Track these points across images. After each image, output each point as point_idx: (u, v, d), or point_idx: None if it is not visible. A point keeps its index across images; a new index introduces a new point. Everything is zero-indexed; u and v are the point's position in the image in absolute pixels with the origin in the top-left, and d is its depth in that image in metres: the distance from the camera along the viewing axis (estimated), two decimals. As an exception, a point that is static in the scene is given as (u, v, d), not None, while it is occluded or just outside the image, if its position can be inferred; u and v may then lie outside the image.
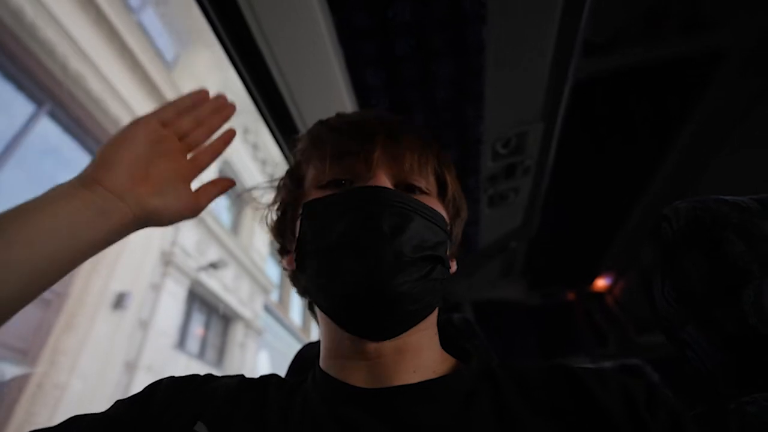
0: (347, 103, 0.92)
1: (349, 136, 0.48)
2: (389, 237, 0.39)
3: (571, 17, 0.88)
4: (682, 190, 1.71)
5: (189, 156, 0.48)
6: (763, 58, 1.25)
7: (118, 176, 0.39)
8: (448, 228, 0.48)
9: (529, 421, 0.35)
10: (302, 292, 0.53)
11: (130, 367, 4.73)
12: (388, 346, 0.41)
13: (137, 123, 0.43)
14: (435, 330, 0.47)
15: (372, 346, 0.41)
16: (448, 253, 0.46)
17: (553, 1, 0.83)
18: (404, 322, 0.41)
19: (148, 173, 0.42)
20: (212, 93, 0.51)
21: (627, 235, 2.16)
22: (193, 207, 0.46)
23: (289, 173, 0.55)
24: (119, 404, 0.41)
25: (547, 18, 0.87)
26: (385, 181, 0.44)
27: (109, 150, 0.41)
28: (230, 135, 0.52)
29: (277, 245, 0.56)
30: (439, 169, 0.50)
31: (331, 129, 0.51)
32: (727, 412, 0.37)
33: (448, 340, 0.48)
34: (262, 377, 0.47)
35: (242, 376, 0.46)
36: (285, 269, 0.53)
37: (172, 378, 0.44)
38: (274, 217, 0.56)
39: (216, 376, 0.46)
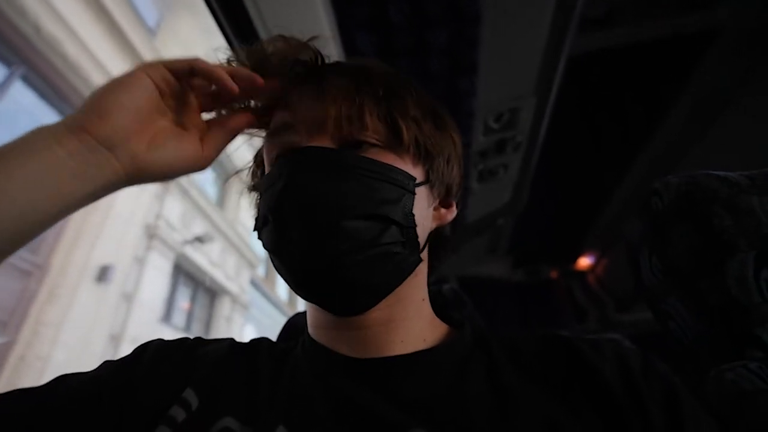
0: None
1: (291, 80, 0.43)
2: (315, 207, 0.35)
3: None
4: (668, 169, 1.73)
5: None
6: (755, 37, 1.24)
7: (111, 126, 0.34)
8: (419, 180, 0.41)
9: (524, 389, 0.35)
10: None
11: (116, 339, 4.72)
12: (371, 317, 0.40)
13: (145, 67, 0.37)
14: (422, 299, 0.44)
15: (354, 318, 0.40)
16: (415, 213, 0.40)
17: None
18: (365, 295, 0.38)
19: (149, 124, 0.37)
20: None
21: (611, 214, 2.20)
22: (198, 158, 0.41)
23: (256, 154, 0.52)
24: (107, 365, 0.40)
25: None
26: (319, 142, 0.39)
27: (105, 95, 0.35)
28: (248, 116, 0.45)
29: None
30: (387, 112, 0.41)
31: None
32: (706, 379, 0.38)
33: (438, 309, 0.48)
34: (253, 341, 0.46)
35: (232, 340, 0.45)
36: None
37: (161, 340, 0.43)
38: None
39: (206, 340, 0.45)
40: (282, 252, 0.38)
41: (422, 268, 0.44)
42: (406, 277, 0.40)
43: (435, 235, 0.46)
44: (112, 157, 0.34)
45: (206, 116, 0.44)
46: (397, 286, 0.40)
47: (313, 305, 0.42)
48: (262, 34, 0.82)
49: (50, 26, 4.03)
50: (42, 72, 4.21)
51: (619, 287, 2.75)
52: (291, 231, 0.36)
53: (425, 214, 0.43)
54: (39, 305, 4.05)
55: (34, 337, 3.98)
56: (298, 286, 0.39)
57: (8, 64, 3.92)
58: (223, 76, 0.38)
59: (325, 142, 0.39)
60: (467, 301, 0.60)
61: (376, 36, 0.83)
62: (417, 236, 0.40)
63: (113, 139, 0.34)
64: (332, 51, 0.86)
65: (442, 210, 0.47)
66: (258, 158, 0.51)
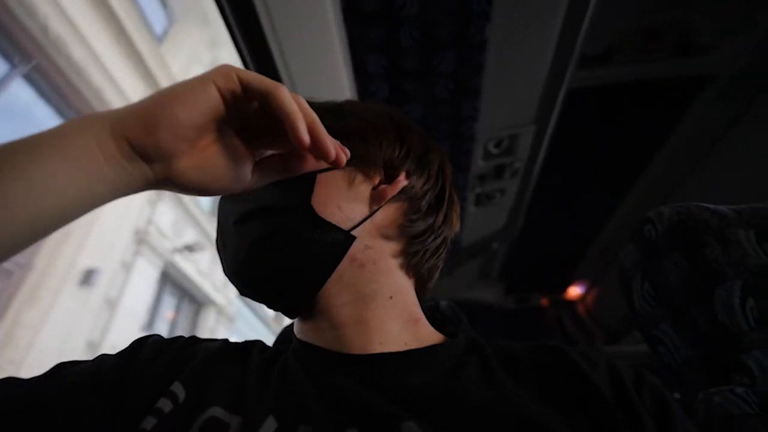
0: (346, 89, 0.92)
1: None
2: (222, 224, 0.44)
3: (571, 27, 0.90)
4: (659, 202, 1.77)
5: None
6: (744, 84, 1.31)
7: (155, 142, 0.30)
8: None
9: (516, 391, 0.35)
10: None
11: (93, 346, 4.58)
12: (341, 315, 0.41)
13: (214, 74, 0.31)
14: (389, 297, 0.42)
15: (323, 319, 0.41)
16: (313, 194, 0.39)
17: (556, 10, 0.86)
18: (288, 286, 0.41)
19: (198, 143, 0.32)
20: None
21: (602, 244, 2.23)
22: (236, 185, 0.35)
23: None
24: (105, 358, 0.40)
25: (549, 25, 0.89)
26: None
27: (160, 105, 0.30)
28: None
29: None
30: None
31: None
32: (694, 402, 0.39)
33: (434, 325, 0.48)
34: (247, 342, 0.46)
35: (226, 340, 0.46)
36: None
37: (157, 336, 0.43)
38: None
39: (200, 339, 0.45)
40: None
41: (375, 258, 0.42)
42: (338, 261, 0.40)
43: (389, 216, 0.43)
44: (148, 169, 0.31)
45: None
46: (327, 271, 0.40)
47: None
48: (274, 50, 0.85)
49: (57, 27, 4.08)
50: (45, 71, 4.24)
51: (608, 318, 2.77)
52: (220, 250, 0.45)
53: (345, 194, 0.41)
54: (18, 306, 3.94)
55: (9, 339, 3.84)
56: (241, 292, 0.44)
57: (11, 60, 3.93)
58: (298, 128, 0.31)
59: None
60: (463, 318, 0.61)
61: (387, 58, 0.87)
62: (320, 217, 0.39)
63: (155, 156, 0.30)
64: (342, 71, 0.89)
65: (382, 186, 0.43)
66: None
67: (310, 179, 0.40)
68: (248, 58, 0.88)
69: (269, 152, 0.37)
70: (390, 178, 0.43)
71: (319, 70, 0.88)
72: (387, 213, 0.43)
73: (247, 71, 0.32)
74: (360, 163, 0.42)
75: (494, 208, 1.49)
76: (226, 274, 0.44)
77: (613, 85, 1.42)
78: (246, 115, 0.33)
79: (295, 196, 0.39)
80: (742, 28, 1.20)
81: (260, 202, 0.39)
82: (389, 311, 0.42)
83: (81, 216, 0.31)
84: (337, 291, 0.41)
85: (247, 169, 0.35)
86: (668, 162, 1.64)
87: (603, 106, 1.50)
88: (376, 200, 0.42)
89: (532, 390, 0.36)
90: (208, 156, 0.32)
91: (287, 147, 0.35)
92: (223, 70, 0.31)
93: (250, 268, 0.40)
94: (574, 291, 3.09)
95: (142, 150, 0.30)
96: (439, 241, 0.46)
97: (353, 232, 0.40)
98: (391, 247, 0.43)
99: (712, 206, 0.49)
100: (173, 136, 0.30)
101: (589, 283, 2.90)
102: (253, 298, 0.44)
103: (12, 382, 0.36)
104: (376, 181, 0.43)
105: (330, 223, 0.39)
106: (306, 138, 0.31)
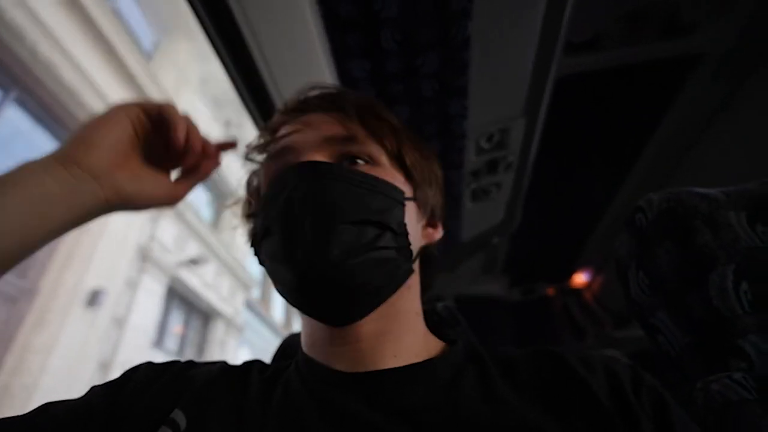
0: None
1: (287, 114, 0.49)
2: (318, 209, 0.38)
3: (554, 16, 0.90)
4: (656, 186, 1.77)
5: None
6: (735, 63, 1.30)
7: (96, 157, 0.37)
8: (407, 195, 0.45)
9: (515, 400, 0.36)
10: None
11: (105, 366, 4.60)
12: (365, 329, 0.41)
13: (123, 107, 0.41)
14: (415, 313, 0.46)
15: (348, 331, 0.41)
16: (406, 222, 0.43)
17: (537, 0, 0.85)
18: (361, 300, 0.40)
19: (128, 158, 0.40)
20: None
21: (605, 230, 2.23)
22: (171, 196, 0.45)
23: (249, 185, 0.55)
24: (95, 390, 0.40)
25: (531, 16, 0.89)
26: (317, 158, 0.43)
27: (90, 130, 0.39)
28: (217, 154, 0.48)
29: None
30: (389, 134, 0.48)
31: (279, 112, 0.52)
32: (693, 391, 0.39)
33: (432, 327, 0.48)
34: (245, 363, 0.46)
35: (224, 362, 0.46)
36: None
37: (150, 363, 0.43)
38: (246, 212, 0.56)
39: (196, 363, 0.45)
40: (285, 257, 0.38)
41: (415, 282, 0.47)
42: (400, 286, 0.43)
43: (425, 252, 0.50)
44: (97, 186, 0.37)
45: None
46: (391, 293, 0.42)
47: (310, 322, 0.44)
48: (259, 62, 0.85)
49: (46, 50, 4.09)
50: (37, 95, 4.25)
51: (615, 303, 2.75)
52: (295, 235, 0.38)
53: (415, 227, 0.47)
54: (27, 331, 3.96)
55: (21, 364, 3.86)
56: (298, 291, 0.40)
57: (3, 86, 3.95)
58: (177, 130, 0.41)
59: (317, 158, 0.43)
60: (461, 320, 0.61)
61: (370, 62, 0.87)
62: (409, 244, 0.43)
63: (98, 170, 0.37)
64: (327, 78, 0.89)
65: (429, 229, 0.52)
66: (251, 188, 0.54)
67: (402, 205, 0.44)
68: (234, 72, 0.89)
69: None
70: (431, 222, 0.52)
71: (304, 79, 0.88)
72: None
73: (146, 102, 0.42)
74: (425, 203, 0.50)
75: (491, 203, 1.49)
76: (287, 274, 0.39)
77: (604, 71, 1.42)
78: (153, 140, 0.42)
79: (395, 220, 0.42)
80: (727, 7, 1.20)
81: (372, 216, 0.40)
82: (412, 326, 0.45)
83: (51, 240, 0.36)
84: (381, 307, 0.42)
85: (168, 180, 0.45)
86: (663, 145, 1.63)
87: (594, 94, 1.49)
88: (426, 237, 0.51)
89: (531, 398, 0.36)
90: (137, 168, 0.41)
91: (188, 161, 0.45)
92: (128, 104, 0.42)
93: (339, 272, 0.37)
94: (580, 279, 3.08)
95: (87, 166, 0.37)
96: None
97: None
98: (418, 270, 0.48)
99: (702, 190, 0.49)
100: (107, 152, 0.38)
101: (594, 270, 2.89)
102: (309, 304, 0.41)
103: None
104: (425, 220, 0.51)
105: (411, 251, 0.43)
106: (181, 136, 0.41)
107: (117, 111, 0.41)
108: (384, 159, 0.46)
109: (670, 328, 0.47)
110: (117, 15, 5.10)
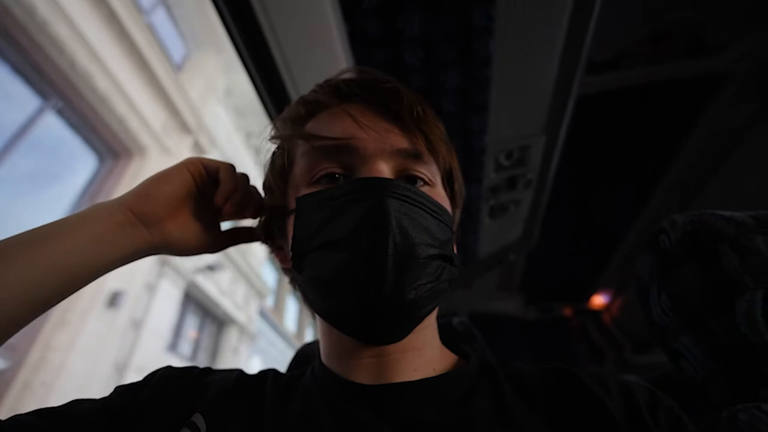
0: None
1: (340, 120, 0.43)
2: (400, 237, 0.35)
3: (576, 35, 0.90)
4: (680, 207, 1.72)
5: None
6: (763, 81, 1.27)
7: (151, 208, 0.43)
8: (452, 221, 0.45)
9: (528, 417, 0.35)
10: (298, 289, 0.47)
11: (120, 368, 4.68)
12: (393, 345, 0.41)
13: (188, 162, 0.47)
14: (435, 327, 0.46)
15: (377, 347, 0.41)
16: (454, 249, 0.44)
17: (559, 18, 0.86)
18: (410, 325, 0.39)
19: (179, 210, 0.46)
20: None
21: (625, 252, 2.17)
22: (211, 246, 0.50)
23: (273, 163, 0.51)
24: (119, 390, 0.41)
25: (553, 34, 0.89)
26: (384, 171, 0.40)
27: (151, 184, 0.45)
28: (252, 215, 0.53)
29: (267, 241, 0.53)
30: (446, 153, 0.45)
31: (320, 106, 0.47)
32: (719, 420, 0.38)
33: (447, 342, 0.48)
34: (261, 372, 0.47)
35: (240, 370, 0.47)
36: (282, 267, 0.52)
37: (169, 367, 0.45)
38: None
39: (214, 370, 0.46)
40: (352, 286, 0.35)
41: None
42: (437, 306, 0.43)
43: None
44: (147, 232, 0.44)
45: None
46: (431, 314, 0.42)
47: (335, 335, 0.42)
48: (285, 76, 0.88)
49: (84, 61, 4.30)
50: (75, 105, 4.46)
51: (635, 328, 2.66)
52: (371, 268, 0.34)
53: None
54: (50, 329, 4.07)
55: (41, 362, 3.96)
56: (354, 319, 0.37)
57: (45, 97, 4.16)
58: (218, 192, 0.47)
59: (384, 171, 0.41)
60: (477, 334, 0.61)
61: (394, 78, 0.88)
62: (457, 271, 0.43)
63: (151, 219, 0.43)
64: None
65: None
66: (275, 167, 0.50)
67: (453, 233, 0.45)
68: (261, 87, 0.92)
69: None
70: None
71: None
72: None
73: (208, 159, 0.48)
74: (457, 216, 0.51)
75: (509, 220, 1.47)
76: (347, 295, 0.36)
77: (627, 89, 1.40)
78: (209, 193, 0.48)
79: (451, 250, 0.42)
80: (754, 25, 1.18)
81: (440, 249, 0.39)
82: (433, 340, 0.46)
83: (99, 276, 0.42)
84: None
85: (217, 232, 0.51)
86: (688, 165, 1.59)
87: (618, 112, 1.47)
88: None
89: (544, 417, 0.36)
90: (187, 220, 0.47)
91: (238, 216, 0.50)
92: (192, 159, 0.47)
93: (406, 309, 0.36)
94: (599, 300, 3.00)
95: (142, 216, 0.43)
96: None
97: None
98: None
99: (728, 213, 0.48)
100: (161, 204, 0.44)
101: (613, 292, 2.81)
102: (366, 326, 0.38)
103: (22, 421, 0.35)
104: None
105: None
106: (218, 199, 0.47)
107: (180, 167, 0.46)
108: (438, 179, 0.46)
109: (694, 354, 0.46)
110: (151, 29, 5.34)
